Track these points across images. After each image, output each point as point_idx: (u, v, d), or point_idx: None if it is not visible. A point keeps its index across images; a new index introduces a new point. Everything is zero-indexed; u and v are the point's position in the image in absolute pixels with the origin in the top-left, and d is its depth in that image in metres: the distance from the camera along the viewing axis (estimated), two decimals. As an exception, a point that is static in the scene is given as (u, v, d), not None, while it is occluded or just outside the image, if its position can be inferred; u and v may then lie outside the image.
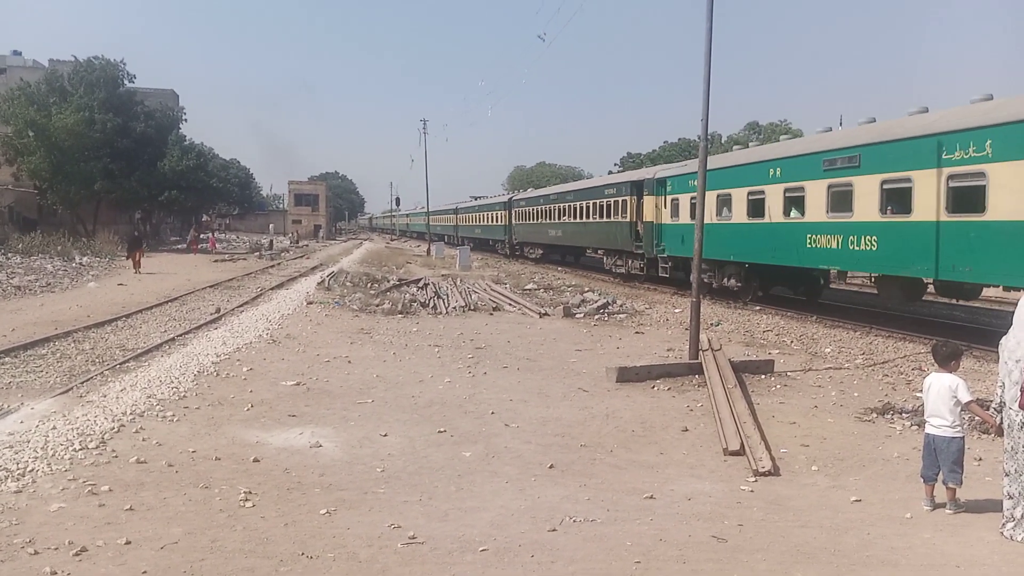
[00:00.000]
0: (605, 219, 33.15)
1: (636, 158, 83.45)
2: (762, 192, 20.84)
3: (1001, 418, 6.25)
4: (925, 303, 20.41)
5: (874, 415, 10.09)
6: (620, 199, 31.21)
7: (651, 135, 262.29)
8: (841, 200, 17.65)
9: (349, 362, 13.39)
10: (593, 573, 5.41)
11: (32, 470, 7.14)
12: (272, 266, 41.26)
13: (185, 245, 53.90)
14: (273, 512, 6.39)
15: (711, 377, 11.22)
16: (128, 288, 26.25)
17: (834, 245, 17.94)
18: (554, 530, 6.14)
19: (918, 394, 10.40)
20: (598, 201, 34.28)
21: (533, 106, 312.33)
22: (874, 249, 16.72)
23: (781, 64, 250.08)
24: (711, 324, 18.38)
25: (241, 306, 21.70)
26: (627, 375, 11.96)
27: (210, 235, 66.36)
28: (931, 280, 16.44)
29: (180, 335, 16.02)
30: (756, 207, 21.19)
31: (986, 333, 14.74)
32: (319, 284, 27.39)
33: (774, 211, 20.27)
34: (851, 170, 17.28)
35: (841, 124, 19.21)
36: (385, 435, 8.85)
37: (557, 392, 11.36)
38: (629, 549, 5.79)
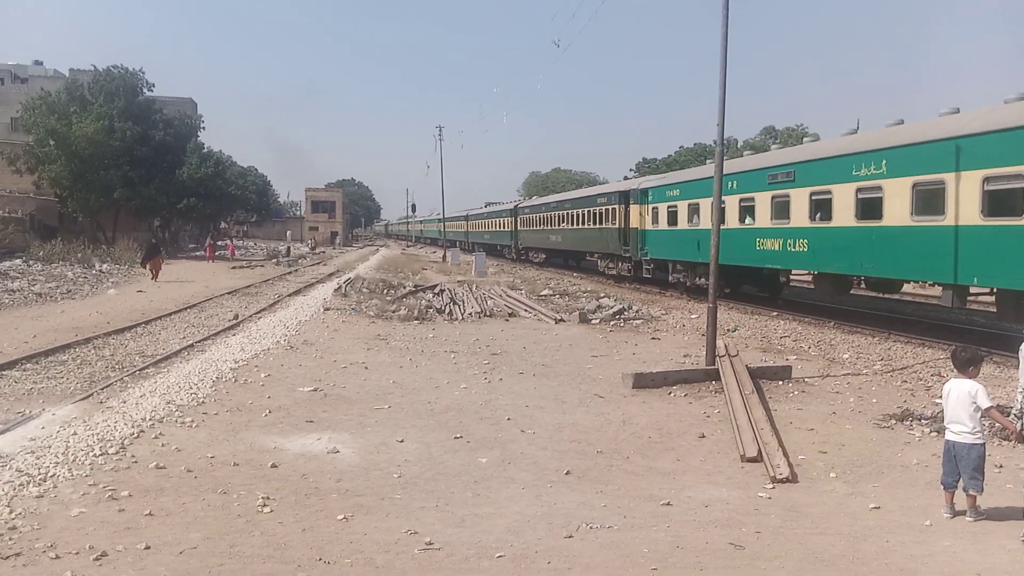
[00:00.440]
0: (598, 225, 35.88)
1: (652, 163, 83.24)
2: (723, 201, 21.48)
3: (1021, 424, 6.19)
4: (934, 306, 20.23)
5: (893, 421, 10.02)
6: (610, 207, 33.92)
7: (667, 140, 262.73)
8: (781, 209, 20.54)
9: (366, 368, 13.44)
10: (610, 580, 5.40)
11: (53, 475, 7.23)
12: (289, 273, 41.48)
13: (203, 252, 54.23)
14: (291, 517, 6.42)
15: (728, 383, 11.17)
16: (147, 295, 26.48)
17: (777, 247, 20.82)
18: (571, 536, 6.13)
19: (937, 400, 10.31)
20: (592, 209, 37.01)
21: (549, 112, 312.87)
22: (806, 251, 19.61)
23: (798, 68, 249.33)
24: (728, 330, 18.31)
25: (259, 312, 21.83)
26: (644, 381, 11.94)
27: (228, 242, 66.83)
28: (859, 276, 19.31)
29: (199, 341, 16.14)
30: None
31: (1006, 339, 14.58)
32: (336, 290, 27.50)
33: (731, 218, 22.76)
34: (788, 184, 20.22)
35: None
36: (402, 441, 8.88)
37: (573, 398, 11.35)
38: (646, 556, 5.78)
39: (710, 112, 14.29)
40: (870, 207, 17.11)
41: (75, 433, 8.63)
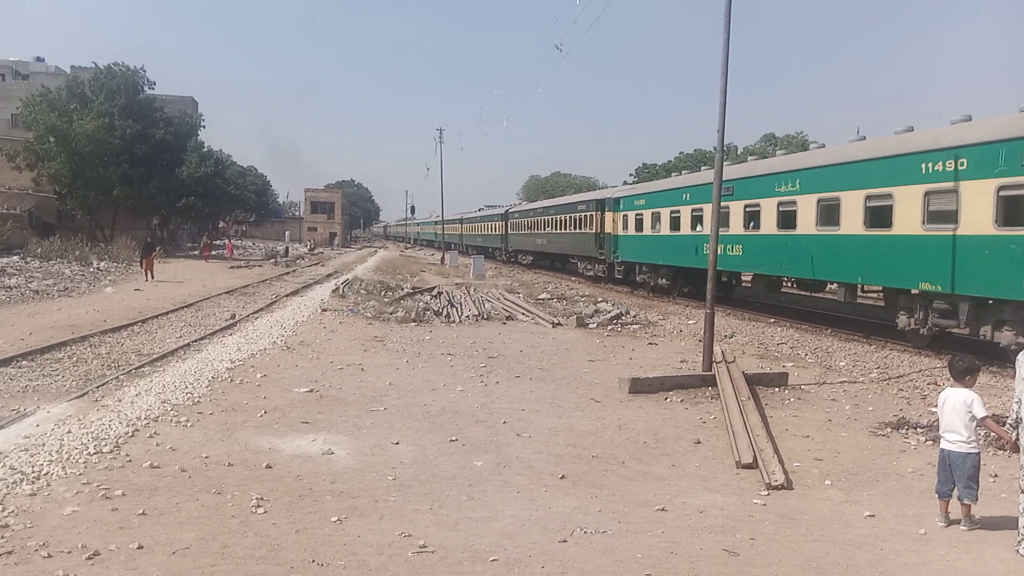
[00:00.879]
0: (578, 230, 39.09)
1: (651, 168, 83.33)
2: (678, 211, 27.01)
3: (1017, 434, 6.19)
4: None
5: (888, 430, 10.02)
6: (588, 214, 37.27)
7: (668, 146, 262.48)
8: (723, 219, 21.76)
9: (362, 370, 13.43)
10: (603, 585, 5.39)
11: (47, 473, 7.21)
12: (287, 273, 41.47)
13: (199, 252, 54.25)
14: (284, 519, 6.41)
15: (724, 389, 11.17)
16: (144, 293, 26.45)
17: (719, 252, 20.73)
18: (565, 541, 6.12)
19: (933, 409, 10.31)
20: (573, 215, 40.27)
21: (549, 116, 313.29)
22: (741, 255, 22.72)
23: (799, 75, 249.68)
24: (725, 336, 18.32)
25: (256, 312, 21.82)
26: (640, 386, 11.94)
27: (227, 241, 66.79)
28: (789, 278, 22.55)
29: (195, 341, 16.12)
30: (675, 223, 27.24)
31: (1001, 349, 14.60)
32: (333, 291, 27.49)
33: (685, 226, 26.37)
34: (728, 197, 22.24)
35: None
36: (397, 443, 8.86)
37: (569, 402, 11.34)
38: (640, 561, 5.77)
39: (710, 118, 14.52)
40: (788, 218, 20.19)
41: (69, 431, 8.61)
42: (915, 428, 10.00)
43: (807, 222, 19.31)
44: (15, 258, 33.82)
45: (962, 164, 14.56)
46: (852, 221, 17.48)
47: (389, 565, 5.58)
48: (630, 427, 9.95)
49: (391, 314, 21.18)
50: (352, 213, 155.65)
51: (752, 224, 22.01)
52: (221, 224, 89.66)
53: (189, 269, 40.67)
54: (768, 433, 9.38)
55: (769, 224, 21.13)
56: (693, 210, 25.78)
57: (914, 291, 16.19)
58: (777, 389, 12.25)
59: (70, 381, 11.90)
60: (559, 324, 20.35)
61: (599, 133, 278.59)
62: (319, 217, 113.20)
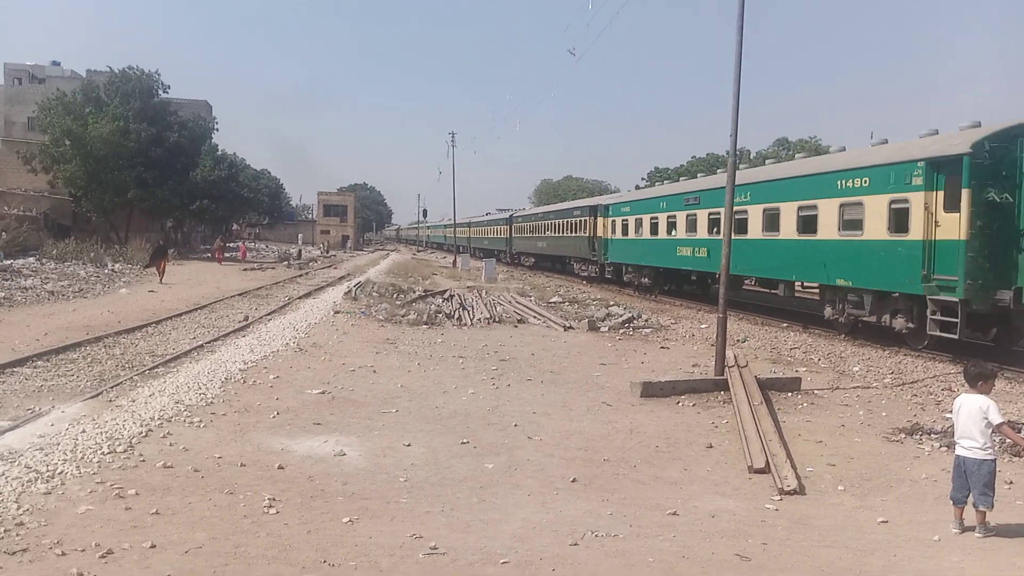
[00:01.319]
0: (574, 234, 42.25)
1: (664, 172, 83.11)
2: (656, 218, 30.17)
3: (1033, 441, 6.14)
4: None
5: (902, 435, 9.95)
6: (582, 219, 40.35)
7: (680, 150, 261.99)
8: (692, 225, 26.64)
9: (374, 371, 13.46)
10: (614, 588, 5.38)
11: (61, 472, 7.26)
12: (300, 275, 41.62)
13: (212, 254, 54.46)
14: (296, 519, 6.43)
15: (737, 394, 11.12)
16: (159, 295, 26.61)
17: (689, 254, 26.92)
18: (576, 544, 6.11)
19: (947, 415, 10.25)
20: (569, 220, 43.37)
21: (562, 120, 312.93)
22: (706, 256, 25.38)
23: (812, 78, 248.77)
24: (738, 340, 18.24)
25: (269, 314, 21.91)
26: (652, 390, 11.90)
27: (241, 244, 67.09)
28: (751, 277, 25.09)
29: (209, 342, 16.20)
30: (654, 228, 30.29)
31: (1018, 355, 14.48)
32: (346, 294, 27.56)
33: (662, 231, 29.36)
34: (696, 206, 26.39)
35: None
36: (408, 445, 8.88)
37: (581, 406, 11.33)
38: (651, 565, 5.75)
39: (723, 122, 14.85)
40: (741, 225, 22.47)
41: (84, 431, 8.67)
42: (929, 434, 9.92)
43: (755, 228, 22.24)
44: (31, 260, 34.11)
45: (865, 182, 17.50)
46: (788, 228, 20.45)
47: (400, 566, 5.59)
48: (642, 431, 9.92)
49: (403, 316, 21.21)
50: (365, 216, 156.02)
51: (715, 230, 24.42)
52: (235, 227, 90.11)
53: (203, 271, 40.89)
54: (781, 438, 9.33)
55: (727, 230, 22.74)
56: (668, 217, 28.86)
57: (834, 286, 18.87)
58: (790, 394, 12.19)
59: (84, 381, 11.98)
60: (571, 327, 20.33)
61: (612, 137, 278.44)
62: (332, 220, 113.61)
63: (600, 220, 37.44)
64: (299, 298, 27.52)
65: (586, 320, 20.93)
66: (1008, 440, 7.68)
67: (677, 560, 5.87)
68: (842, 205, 18.23)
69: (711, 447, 9.29)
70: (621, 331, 19.95)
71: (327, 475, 7.68)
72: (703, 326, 20.96)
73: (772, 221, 21.31)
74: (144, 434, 8.73)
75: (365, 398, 11.37)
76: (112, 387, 11.44)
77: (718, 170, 29.52)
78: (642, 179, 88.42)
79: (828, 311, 19.33)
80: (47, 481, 7.01)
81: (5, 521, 6.05)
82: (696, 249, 26.08)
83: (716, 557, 5.96)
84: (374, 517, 6.57)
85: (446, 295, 27.13)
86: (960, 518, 6.63)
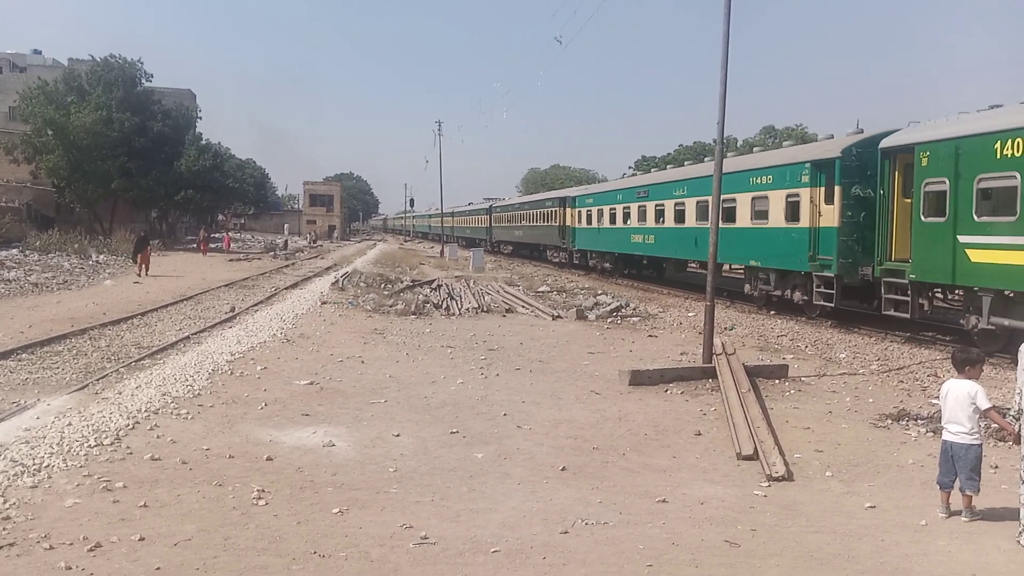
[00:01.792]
0: (545, 223, 46.06)
1: (651, 161, 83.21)
2: (614, 209, 33.62)
3: (1020, 425, 6.19)
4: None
5: (889, 421, 10.02)
6: (553, 210, 44.01)
7: (667, 138, 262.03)
8: (642, 215, 30.38)
9: (362, 362, 13.42)
10: (605, 576, 5.39)
11: (48, 466, 7.20)
12: (286, 266, 41.46)
13: (197, 245, 54.13)
14: (286, 510, 6.41)
15: (725, 381, 11.17)
16: (144, 286, 26.44)
17: (639, 240, 30.58)
18: (566, 532, 6.13)
19: (934, 400, 10.34)
20: (543, 210, 47.07)
21: (549, 108, 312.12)
22: (653, 243, 29.34)
23: (799, 67, 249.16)
24: (725, 328, 18.31)
25: (256, 305, 21.81)
26: (640, 378, 11.93)
27: (225, 235, 66.70)
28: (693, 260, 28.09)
29: (195, 333, 16.12)
30: (612, 218, 33.96)
31: (1003, 340, 14.61)
32: (333, 284, 27.49)
33: (619, 220, 32.82)
34: (645, 199, 30.20)
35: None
36: (398, 435, 8.86)
37: (570, 394, 11.34)
38: (641, 552, 5.77)
39: (710, 111, 15.03)
40: (680, 215, 26.61)
41: (70, 424, 8.61)
42: (916, 420, 10.00)
43: (691, 217, 25.78)
44: (14, 251, 33.78)
45: (769, 179, 20.97)
46: (715, 217, 22.19)
47: (390, 556, 5.58)
48: (631, 419, 9.95)
49: (391, 307, 21.17)
50: (351, 206, 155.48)
51: (660, 219, 28.50)
52: (220, 217, 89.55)
53: (188, 262, 40.65)
54: (768, 425, 9.38)
55: (669, 219, 27.63)
56: (624, 208, 32.37)
57: (750, 266, 22.33)
58: (777, 381, 12.25)
59: (70, 374, 11.90)
60: (559, 317, 20.35)
61: (599, 125, 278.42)
62: (318, 210, 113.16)
63: (568, 211, 41.04)
64: (286, 288, 27.41)
65: (574, 309, 20.96)
66: (993, 425, 7.74)
67: (667, 547, 5.89)
68: (754, 198, 21.71)
69: (699, 434, 9.33)
70: (609, 320, 19.98)
71: (316, 466, 7.66)
72: (690, 314, 21.03)
73: (703, 212, 24.28)
74: (131, 426, 8.67)
75: (353, 389, 11.34)
76: (98, 379, 11.37)
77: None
78: (629, 167, 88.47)
79: (747, 287, 22.87)
80: (33, 475, 6.95)
81: (-9, 515, 6.00)
82: (646, 236, 29.86)
83: (705, 543, 5.99)
84: (364, 508, 6.56)
85: (434, 285, 27.08)
86: (947, 502, 6.69)
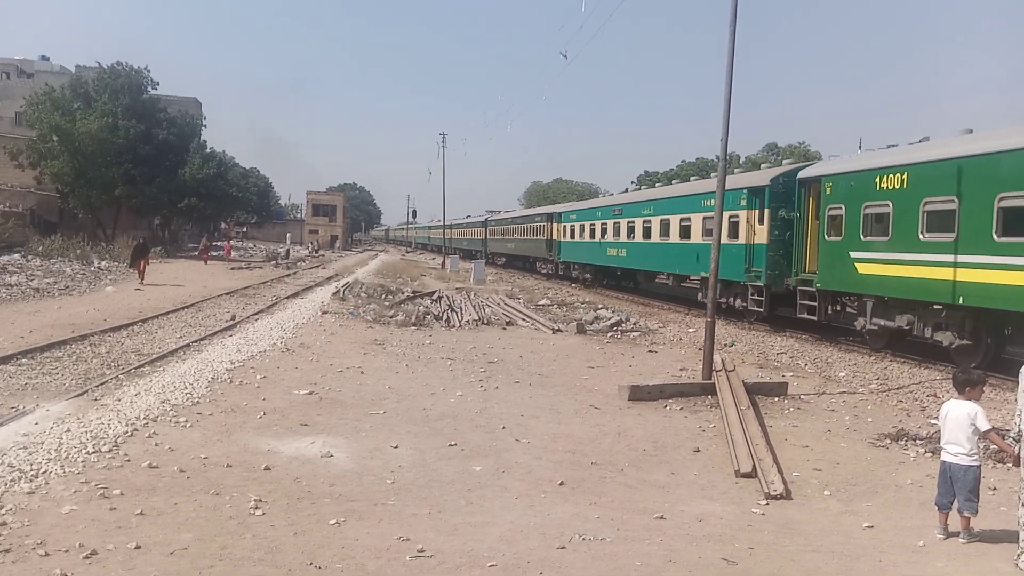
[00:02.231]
0: (534, 237, 49.47)
1: (654, 176, 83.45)
2: (594, 224, 36.73)
3: (1020, 447, 6.18)
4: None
5: (888, 441, 10.00)
6: (542, 224, 47.45)
7: (670, 154, 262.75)
8: (617, 230, 33.31)
9: (362, 373, 13.42)
10: (601, 592, 5.38)
11: (45, 472, 7.19)
12: (288, 275, 41.47)
13: (197, 254, 54.16)
14: (283, 521, 6.40)
15: (724, 398, 11.16)
16: (145, 293, 26.45)
17: (614, 254, 33.60)
18: (563, 547, 6.11)
19: (933, 421, 10.32)
20: (532, 224, 50.48)
21: (554, 122, 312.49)
22: (625, 255, 32.50)
23: (802, 85, 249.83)
24: (725, 345, 18.30)
25: (256, 314, 21.82)
26: (639, 394, 11.93)
27: (226, 243, 66.78)
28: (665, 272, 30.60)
29: (195, 341, 16.12)
30: (592, 232, 37.05)
31: (1004, 362, 14.59)
32: (334, 294, 27.47)
33: (597, 235, 35.89)
34: (619, 216, 33.12)
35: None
36: (396, 447, 8.85)
37: (569, 409, 11.33)
38: (638, 569, 5.76)
39: (713, 128, 15.12)
40: (647, 231, 29.76)
41: (68, 430, 8.60)
42: (914, 440, 9.98)
43: (655, 234, 28.91)
44: (16, 256, 33.81)
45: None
46: (675, 234, 27.06)
47: (387, 569, 5.57)
48: (629, 434, 9.94)
49: (391, 318, 21.16)
50: (354, 216, 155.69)
51: (631, 235, 31.72)
52: (223, 225, 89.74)
53: (189, 270, 40.67)
54: (767, 442, 9.36)
55: (638, 235, 30.81)
56: (602, 224, 35.44)
57: (702, 277, 24.63)
58: (777, 399, 12.24)
59: (70, 380, 11.90)
60: (559, 330, 20.34)
61: (603, 140, 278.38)
62: (321, 220, 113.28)
63: (555, 225, 44.23)
64: (287, 298, 27.42)
65: (574, 323, 20.95)
66: (992, 446, 7.73)
67: (664, 564, 5.88)
68: (705, 218, 24.51)
69: (698, 451, 9.32)
70: (609, 334, 19.98)
71: (314, 476, 7.65)
72: (691, 330, 21.03)
73: (665, 229, 27.95)
74: (129, 434, 8.66)
75: (353, 399, 11.34)
76: (97, 386, 11.37)
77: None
78: (632, 182, 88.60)
79: (700, 296, 25.41)
80: (31, 480, 6.94)
81: (-12, 521, 5.99)
82: (619, 250, 33.01)
83: (703, 561, 5.97)
84: (361, 519, 6.55)
85: (435, 296, 27.08)
86: (945, 523, 6.68)
